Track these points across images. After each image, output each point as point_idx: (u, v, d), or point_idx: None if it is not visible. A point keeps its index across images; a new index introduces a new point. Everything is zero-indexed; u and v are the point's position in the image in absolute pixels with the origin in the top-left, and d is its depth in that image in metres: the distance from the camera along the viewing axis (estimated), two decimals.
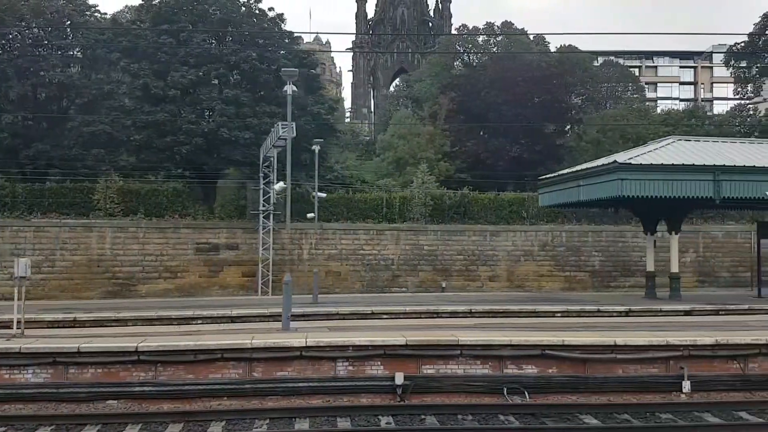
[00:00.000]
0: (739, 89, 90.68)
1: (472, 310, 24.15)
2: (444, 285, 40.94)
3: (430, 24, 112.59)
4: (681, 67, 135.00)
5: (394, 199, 41.98)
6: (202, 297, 36.66)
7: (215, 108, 36.86)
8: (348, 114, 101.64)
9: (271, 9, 41.39)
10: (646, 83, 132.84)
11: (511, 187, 46.55)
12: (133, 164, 40.41)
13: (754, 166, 27.60)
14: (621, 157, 29.99)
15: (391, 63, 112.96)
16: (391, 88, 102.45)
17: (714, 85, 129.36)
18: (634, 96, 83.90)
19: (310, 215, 36.02)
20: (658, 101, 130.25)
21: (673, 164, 27.09)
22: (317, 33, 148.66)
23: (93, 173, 38.18)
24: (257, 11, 40.88)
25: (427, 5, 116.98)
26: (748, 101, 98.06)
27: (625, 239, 43.59)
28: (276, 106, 39.16)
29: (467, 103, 46.92)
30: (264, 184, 37.10)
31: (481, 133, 46.22)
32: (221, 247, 38.35)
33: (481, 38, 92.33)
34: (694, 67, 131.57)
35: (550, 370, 15.12)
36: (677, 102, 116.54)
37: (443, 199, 42.69)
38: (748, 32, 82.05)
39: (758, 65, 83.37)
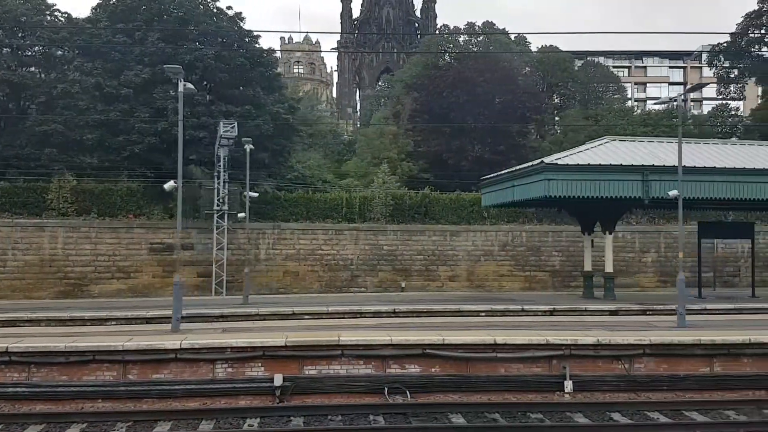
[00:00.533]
0: (721, 89, 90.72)
1: (396, 310, 24.01)
2: (403, 285, 40.79)
3: (416, 24, 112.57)
4: (670, 67, 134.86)
5: (354, 199, 41.80)
6: (156, 297, 36.47)
7: (168, 107, 36.65)
8: (328, 113, 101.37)
9: (229, 8, 41.26)
10: (636, 83, 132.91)
11: (474, 188, 46.37)
12: (90, 164, 40.21)
13: (684, 166, 27.36)
14: (551, 157, 29.82)
15: (376, 63, 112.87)
16: (377, 88, 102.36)
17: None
18: (615, 96, 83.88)
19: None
20: (647, 101, 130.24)
21: (600, 164, 26.95)
22: (305, 32, 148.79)
23: (47, 173, 38.01)
24: (215, 10, 40.71)
25: (413, 5, 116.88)
26: (731, 101, 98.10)
27: (578, 239, 43.36)
28: (233, 105, 39.00)
29: (430, 103, 46.75)
30: (218, 183, 36.95)
31: (448, 132, 45.95)
32: (176, 247, 38.11)
33: (462, 38, 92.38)
34: (684, 68, 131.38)
35: (433, 370, 14.94)
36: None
37: (404, 199, 42.50)
38: (730, 32, 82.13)
39: (740, 65, 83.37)
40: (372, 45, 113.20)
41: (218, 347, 14.55)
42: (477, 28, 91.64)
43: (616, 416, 13.06)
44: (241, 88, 40.31)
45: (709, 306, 27.19)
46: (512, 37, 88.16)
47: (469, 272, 42.04)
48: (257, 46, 41.59)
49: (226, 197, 36.74)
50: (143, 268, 37.71)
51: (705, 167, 28.05)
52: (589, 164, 26.65)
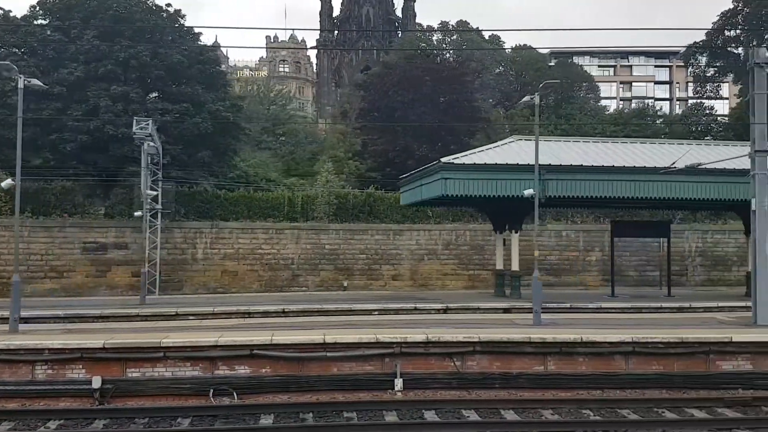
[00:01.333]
0: (698, 88, 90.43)
1: (285, 310, 23.78)
2: (346, 284, 40.53)
3: (397, 23, 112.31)
4: (656, 66, 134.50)
5: (296, 198, 41.54)
6: (89, 297, 36.20)
7: (101, 105, 36.37)
8: (302, 112, 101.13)
9: (168, 5, 40.96)
10: (621, 83, 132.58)
11: None
12: (26, 163, 39.86)
13: (581, 165, 27.31)
14: (449, 157, 29.49)
15: (356, 62, 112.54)
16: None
17: (689, 84, 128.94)
18: (588, 96, 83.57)
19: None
20: (633, 101, 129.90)
21: (496, 163, 26.76)
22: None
23: None
24: (154, 7, 40.44)
25: (393, 4, 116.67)
26: (708, 100, 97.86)
27: (528, 238, 43.09)
28: (170, 102, 38.76)
29: (377, 102, 46.52)
30: (152, 181, 36.62)
31: (395, 131, 45.69)
32: (110, 247, 37.92)
33: (435, 37, 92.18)
34: (669, 66, 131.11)
35: (264, 370, 14.70)
36: (652, 101, 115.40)
37: (348, 198, 42.24)
38: (706, 31, 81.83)
39: (717, 64, 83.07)
40: (351, 44, 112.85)
41: (35, 348, 14.31)
42: (451, 27, 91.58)
43: (430, 414, 12.86)
44: (181, 86, 40.02)
45: (604, 305, 26.98)
46: (486, 35, 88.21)
47: (413, 271, 41.76)
48: (200, 43, 41.37)
49: (159, 195, 36.42)
50: (76, 268, 37.41)
51: (593, 166, 28.09)
52: (485, 163, 26.44)
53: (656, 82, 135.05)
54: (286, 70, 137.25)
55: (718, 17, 78.52)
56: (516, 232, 31.95)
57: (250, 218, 40.45)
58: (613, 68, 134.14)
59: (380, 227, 41.77)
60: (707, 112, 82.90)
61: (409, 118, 44.15)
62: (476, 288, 41.50)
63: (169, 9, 41.02)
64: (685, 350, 16.05)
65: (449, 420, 12.64)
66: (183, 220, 38.83)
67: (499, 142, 31.21)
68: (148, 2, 40.30)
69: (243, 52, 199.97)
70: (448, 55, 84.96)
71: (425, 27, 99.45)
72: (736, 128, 74.88)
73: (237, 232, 39.70)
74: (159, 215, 36.71)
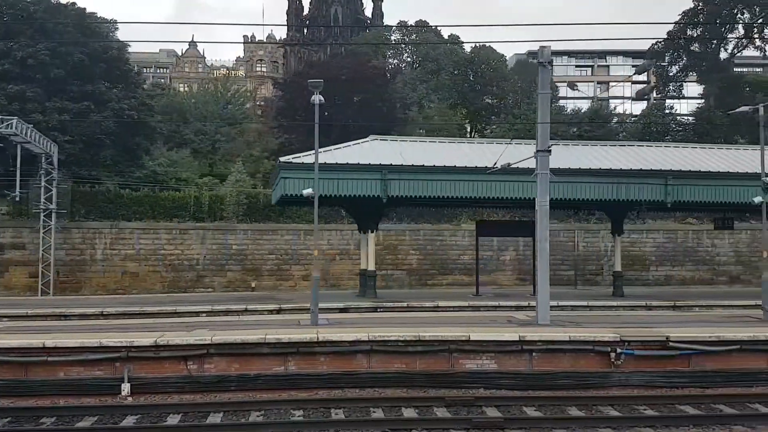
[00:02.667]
0: (661, 88, 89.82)
1: (104, 312, 23.32)
2: (254, 285, 40.06)
3: (366, 23, 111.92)
4: (633, 66, 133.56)
5: (204, 198, 41.07)
6: None
7: None
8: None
9: (73, 3, 40.53)
10: (598, 83, 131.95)
11: None
12: None
13: (423, 165, 26.96)
14: (289, 156, 29.19)
15: (324, 61, 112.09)
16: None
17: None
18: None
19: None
20: (610, 101, 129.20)
21: (337, 163, 26.34)
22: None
23: None
24: (56, 4, 40.06)
25: (362, 4, 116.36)
26: (670, 99, 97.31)
27: (443, 237, 42.75)
28: (69, 101, 38.34)
29: (295, 101, 46.05)
30: (46, 181, 36.22)
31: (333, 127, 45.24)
32: (6, 247, 37.51)
33: (394, 36, 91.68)
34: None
35: None
36: (629, 101, 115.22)
37: (258, 197, 41.77)
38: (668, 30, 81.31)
39: (679, 64, 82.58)
40: (319, 43, 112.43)
41: None
42: (410, 26, 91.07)
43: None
44: (84, 85, 39.58)
45: (442, 304, 26.65)
46: (445, 35, 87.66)
47: (324, 271, 41.10)
48: (106, 42, 40.92)
49: (53, 195, 36.01)
50: None
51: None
52: (325, 163, 25.99)
53: (634, 82, 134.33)
54: (264, 69, 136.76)
55: (679, 16, 78.17)
56: (372, 232, 31.48)
57: (155, 218, 39.97)
58: (590, 68, 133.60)
59: (290, 227, 41.31)
60: (666, 111, 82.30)
61: (324, 117, 43.54)
62: (390, 287, 41.01)
63: (74, 7, 40.59)
64: (426, 348, 15.64)
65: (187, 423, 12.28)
66: (82, 220, 38.40)
67: (357, 141, 30.75)
68: (52, 1, 39.90)
69: (221, 52, 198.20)
70: (406, 54, 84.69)
71: (393, 27, 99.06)
72: (697, 128, 74.50)
73: (138, 232, 39.24)
74: (53, 215, 36.27)
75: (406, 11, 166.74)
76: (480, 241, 43.41)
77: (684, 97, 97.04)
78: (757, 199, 23.46)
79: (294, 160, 26.47)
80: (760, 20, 75.82)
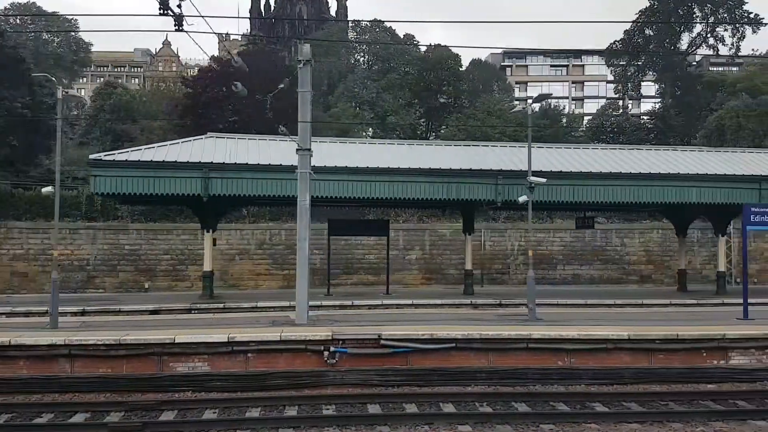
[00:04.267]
0: (619, 87, 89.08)
1: None
2: (147, 285, 39.24)
3: (332, 22, 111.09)
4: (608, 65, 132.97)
5: (96, 197, 40.19)
6: None
7: None
8: None
9: None
10: (573, 82, 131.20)
11: None
12: None
13: (246, 164, 26.24)
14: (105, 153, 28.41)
15: (288, 60, 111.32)
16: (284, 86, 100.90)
17: (642, 83, 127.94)
18: (501, 95, 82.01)
19: None
20: (585, 100, 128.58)
21: (152, 160, 25.61)
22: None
23: None
24: None
25: (327, 4, 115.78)
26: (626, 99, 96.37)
27: (348, 238, 41.85)
28: None
29: (198, 98, 45.27)
30: None
31: (220, 127, 44.38)
32: None
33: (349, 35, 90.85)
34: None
35: None
36: (603, 100, 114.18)
37: None
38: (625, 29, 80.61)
39: (635, 63, 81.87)
40: (284, 42, 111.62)
41: None
42: (365, 25, 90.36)
43: None
44: None
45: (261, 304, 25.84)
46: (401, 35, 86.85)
47: (223, 272, 40.36)
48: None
49: None
50: None
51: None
52: (139, 160, 25.29)
53: (608, 81, 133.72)
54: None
55: (636, 15, 77.32)
56: (210, 231, 30.66)
57: (46, 218, 39.13)
58: (565, 68, 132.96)
59: (187, 227, 40.46)
60: (621, 111, 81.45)
61: (222, 115, 43.00)
62: (292, 287, 40.12)
63: None
64: (130, 352, 14.86)
65: None
66: None
67: (188, 139, 29.99)
68: None
69: (197, 50, 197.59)
70: (358, 54, 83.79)
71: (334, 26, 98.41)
72: (652, 128, 73.64)
73: (27, 232, 38.45)
74: None
75: (378, 9, 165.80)
76: (385, 240, 42.78)
77: (642, 97, 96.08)
78: (522, 199, 23.23)
79: (105, 158, 25.68)
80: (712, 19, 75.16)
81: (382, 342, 15.65)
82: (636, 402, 13.79)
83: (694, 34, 76.75)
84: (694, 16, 75.81)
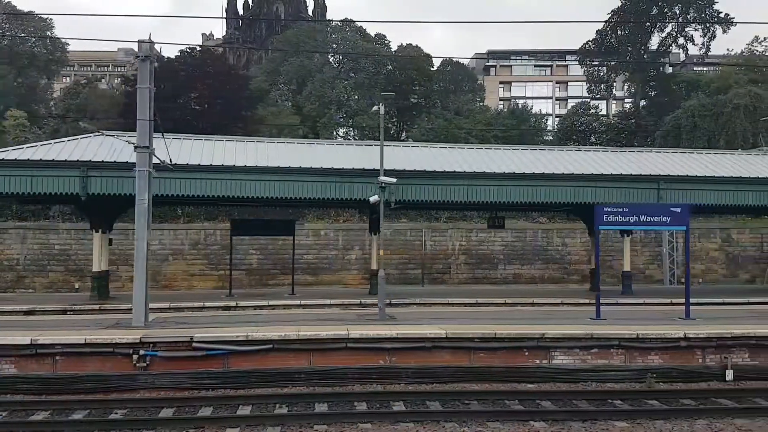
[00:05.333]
0: (592, 87, 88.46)
1: None
2: (77, 286, 38.51)
3: (310, 20, 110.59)
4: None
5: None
6: None
7: None
8: None
9: None
10: (557, 82, 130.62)
11: None
12: None
13: (126, 162, 25.53)
14: None
15: (265, 60, 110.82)
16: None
17: (626, 83, 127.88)
18: (472, 96, 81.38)
19: None
20: (569, 100, 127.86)
21: (29, 159, 25.16)
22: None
23: None
24: None
25: (305, 3, 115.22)
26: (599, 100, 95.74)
27: (285, 238, 41.18)
28: None
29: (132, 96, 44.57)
30: None
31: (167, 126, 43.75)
32: None
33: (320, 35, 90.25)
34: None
35: None
36: (587, 100, 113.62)
37: None
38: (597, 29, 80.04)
39: (608, 63, 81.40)
40: (261, 42, 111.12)
41: None
42: (335, 25, 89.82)
43: None
44: None
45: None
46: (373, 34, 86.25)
47: (156, 272, 39.58)
48: None
49: None
50: None
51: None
52: (17, 159, 24.84)
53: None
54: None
55: (608, 15, 76.76)
56: (103, 232, 30.13)
57: None
58: (549, 68, 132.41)
59: (119, 227, 39.65)
60: (591, 112, 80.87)
61: (167, 113, 42.18)
62: (227, 288, 39.64)
63: None
64: None
65: None
66: None
67: (74, 138, 29.41)
68: None
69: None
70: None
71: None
72: (621, 128, 72.97)
73: None
74: None
75: (360, 8, 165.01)
76: (324, 241, 42.14)
77: (624, 98, 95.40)
78: (373, 199, 22.73)
79: None
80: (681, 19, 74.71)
81: (194, 344, 15.02)
82: (440, 401, 13.60)
83: (664, 34, 76.36)
84: (666, 15, 75.37)
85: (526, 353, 16.18)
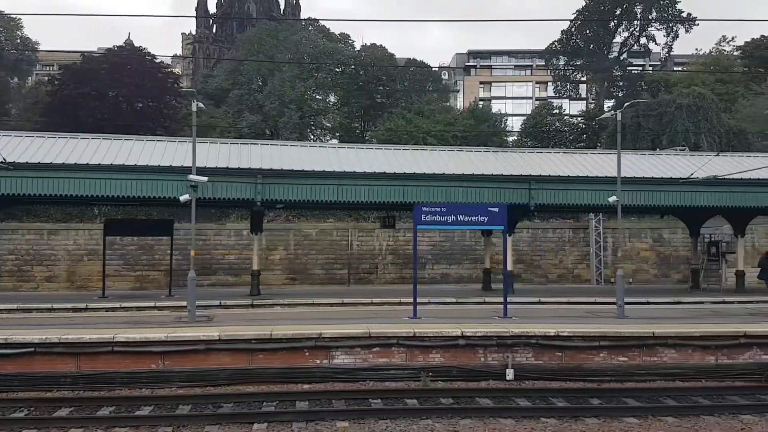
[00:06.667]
0: (558, 87, 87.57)
1: None
2: None
3: (279, 19, 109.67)
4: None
5: None
6: None
7: None
8: None
9: None
10: (537, 82, 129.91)
11: None
12: None
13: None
14: None
15: (227, 58, 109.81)
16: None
17: (605, 83, 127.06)
18: (436, 95, 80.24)
19: None
20: (549, 100, 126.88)
21: None
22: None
23: None
24: None
25: (277, 2, 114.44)
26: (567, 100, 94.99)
27: (206, 236, 40.18)
28: None
29: (61, 96, 43.74)
30: None
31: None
32: None
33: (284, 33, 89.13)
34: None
35: None
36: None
37: None
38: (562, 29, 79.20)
39: (574, 63, 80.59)
40: (231, 40, 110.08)
41: None
42: (301, 24, 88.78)
43: None
44: None
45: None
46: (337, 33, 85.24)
47: (70, 272, 38.77)
48: None
49: None
50: None
51: None
52: None
53: (580, 82, 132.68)
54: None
55: (573, 14, 75.90)
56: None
57: None
58: (529, 68, 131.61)
59: (32, 226, 38.83)
60: (555, 112, 79.81)
61: (81, 113, 41.35)
62: (145, 288, 38.72)
63: None
64: None
65: None
66: None
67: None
68: None
69: (163, 49, 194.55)
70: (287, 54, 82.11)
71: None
72: (583, 129, 71.98)
73: None
74: None
75: (344, 8, 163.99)
76: (247, 241, 41.00)
77: (579, 98, 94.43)
78: (183, 198, 21.87)
79: None
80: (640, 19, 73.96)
81: None
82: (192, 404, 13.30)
83: (627, 34, 75.59)
84: (629, 15, 74.65)
85: (307, 353, 15.80)
